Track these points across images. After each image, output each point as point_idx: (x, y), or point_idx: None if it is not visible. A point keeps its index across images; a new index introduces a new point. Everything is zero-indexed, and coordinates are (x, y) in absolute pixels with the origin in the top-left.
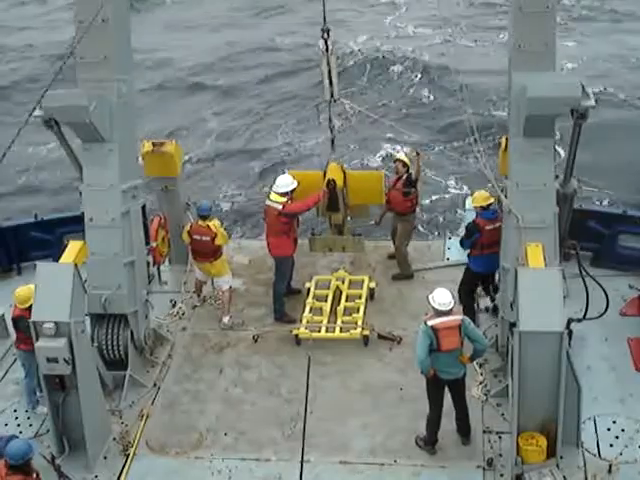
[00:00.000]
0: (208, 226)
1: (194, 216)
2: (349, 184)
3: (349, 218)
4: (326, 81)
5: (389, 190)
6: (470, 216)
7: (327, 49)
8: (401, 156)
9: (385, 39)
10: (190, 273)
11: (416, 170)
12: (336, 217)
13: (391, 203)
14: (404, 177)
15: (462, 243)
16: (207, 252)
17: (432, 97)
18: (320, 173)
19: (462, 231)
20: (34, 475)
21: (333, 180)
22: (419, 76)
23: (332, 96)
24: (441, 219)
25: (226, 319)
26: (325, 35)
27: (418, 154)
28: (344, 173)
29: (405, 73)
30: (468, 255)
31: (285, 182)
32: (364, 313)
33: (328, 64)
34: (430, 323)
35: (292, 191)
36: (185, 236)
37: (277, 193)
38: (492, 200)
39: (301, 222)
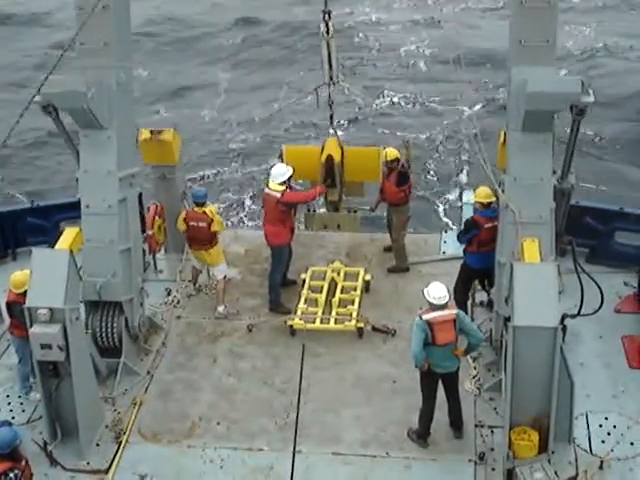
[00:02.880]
0: (204, 212)
1: (190, 205)
2: (346, 160)
3: (344, 197)
4: (326, 65)
5: (383, 181)
6: (467, 210)
7: (328, 32)
8: (392, 154)
9: None
10: (186, 262)
11: (406, 158)
12: (332, 194)
13: (385, 194)
14: (397, 168)
15: (459, 238)
16: (203, 239)
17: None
18: (318, 148)
19: (461, 225)
20: (23, 462)
21: (331, 157)
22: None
23: (332, 79)
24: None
25: (221, 308)
26: (326, 17)
27: (407, 146)
28: (342, 149)
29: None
30: (464, 251)
31: (280, 172)
32: (359, 305)
33: (328, 47)
34: (425, 317)
35: (289, 178)
36: (180, 223)
37: (275, 183)
38: (493, 199)
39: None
